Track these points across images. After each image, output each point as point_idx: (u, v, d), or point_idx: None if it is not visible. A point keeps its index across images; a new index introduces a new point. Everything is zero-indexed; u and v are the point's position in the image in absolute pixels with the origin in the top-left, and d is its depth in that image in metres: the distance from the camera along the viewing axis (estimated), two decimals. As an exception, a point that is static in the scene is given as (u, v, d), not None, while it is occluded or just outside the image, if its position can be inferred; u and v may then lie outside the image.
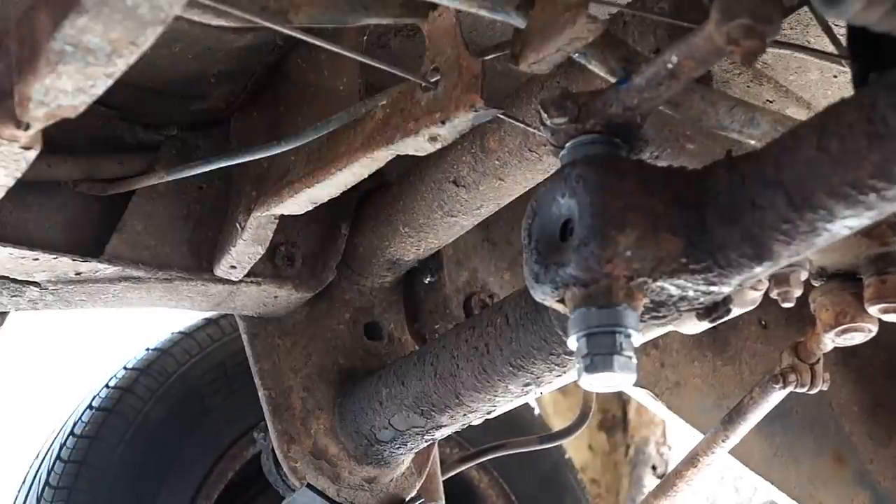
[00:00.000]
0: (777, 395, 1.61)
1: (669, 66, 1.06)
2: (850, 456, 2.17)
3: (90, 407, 2.31)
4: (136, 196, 1.66)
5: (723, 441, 1.68)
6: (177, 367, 2.35)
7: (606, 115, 1.12)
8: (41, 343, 3.95)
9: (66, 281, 1.62)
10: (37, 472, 2.30)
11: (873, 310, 1.32)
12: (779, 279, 1.31)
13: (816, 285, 1.40)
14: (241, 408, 2.29)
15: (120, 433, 2.25)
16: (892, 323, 1.35)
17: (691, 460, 1.71)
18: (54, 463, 2.25)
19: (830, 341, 1.42)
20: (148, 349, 2.41)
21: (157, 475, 2.24)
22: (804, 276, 1.33)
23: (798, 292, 1.32)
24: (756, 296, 1.17)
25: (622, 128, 1.14)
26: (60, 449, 2.26)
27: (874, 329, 1.38)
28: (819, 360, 1.58)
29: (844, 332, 1.39)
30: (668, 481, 1.75)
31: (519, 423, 2.61)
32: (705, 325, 1.19)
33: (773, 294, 1.32)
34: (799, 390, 1.59)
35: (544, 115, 1.14)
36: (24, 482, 2.33)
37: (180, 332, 2.43)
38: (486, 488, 2.66)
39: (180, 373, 2.34)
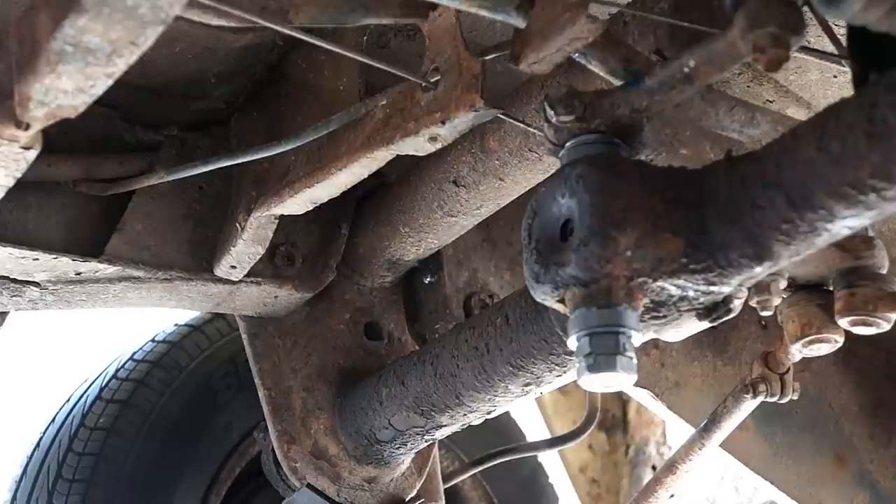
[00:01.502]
0: (749, 405, 1.62)
1: (686, 69, 1.05)
2: (850, 456, 2.17)
3: (100, 398, 2.26)
4: (136, 196, 1.66)
5: (699, 449, 1.70)
6: (189, 360, 2.32)
7: (613, 116, 1.12)
8: (31, 330, 3.91)
9: (66, 281, 1.62)
10: (41, 464, 2.25)
11: (843, 322, 1.32)
12: (759, 287, 1.31)
13: (784, 297, 1.40)
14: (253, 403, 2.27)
15: (137, 426, 2.23)
16: (892, 324, 1.35)
17: (670, 467, 1.73)
18: (66, 455, 2.21)
19: (797, 352, 1.43)
20: (155, 340, 2.36)
21: (175, 469, 2.22)
22: (783, 284, 1.33)
23: (777, 301, 1.33)
24: (737, 304, 1.17)
25: (626, 129, 1.14)
26: (71, 441, 2.22)
27: (840, 340, 1.39)
28: (788, 369, 1.59)
29: (810, 343, 1.40)
30: (648, 488, 1.76)
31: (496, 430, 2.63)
32: (688, 333, 1.18)
33: (753, 302, 1.32)
34: (770, 400, 1.60)
35: (550, 112, 1.14)
36: (24, 474, 2.26)
37: (187, 325, 2.41)
38: (470, 490, 2.68)
39: (192, 367, 2.32)
